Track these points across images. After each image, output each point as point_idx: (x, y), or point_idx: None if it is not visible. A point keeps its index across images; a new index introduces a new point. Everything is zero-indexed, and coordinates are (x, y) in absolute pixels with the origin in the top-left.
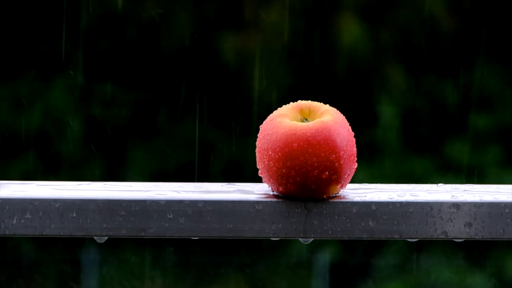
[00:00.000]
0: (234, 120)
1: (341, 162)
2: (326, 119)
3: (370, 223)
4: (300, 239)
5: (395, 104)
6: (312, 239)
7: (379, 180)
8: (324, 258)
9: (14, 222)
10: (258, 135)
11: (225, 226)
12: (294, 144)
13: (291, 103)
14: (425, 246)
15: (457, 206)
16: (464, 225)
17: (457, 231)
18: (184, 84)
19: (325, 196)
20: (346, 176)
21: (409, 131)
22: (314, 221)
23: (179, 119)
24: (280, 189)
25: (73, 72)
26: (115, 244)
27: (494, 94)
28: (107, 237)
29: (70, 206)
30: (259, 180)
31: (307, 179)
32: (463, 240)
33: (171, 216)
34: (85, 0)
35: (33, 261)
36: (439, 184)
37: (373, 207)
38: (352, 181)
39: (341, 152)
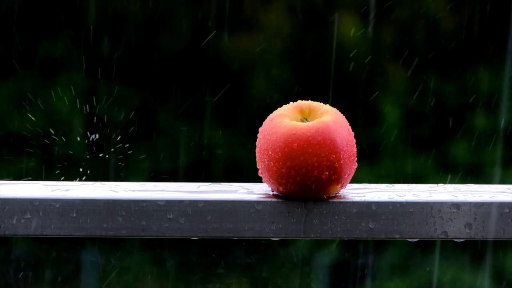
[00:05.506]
0: (234, 120)
1: (341, 162)
2: (326, 119)
3: (370, 223)
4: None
5: (396, 104)
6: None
7: (380, 180)
8: (324, 258)
9: (14, 222)
10: (258, 135)
11: (225, 226)
12: (294, 144)
13: (291, 103)
14: (425, 246)
15: (457, 206)
16: (464, 225)
17: (457, 231)
18: (185, 85)
19: (325, 196)
20: (346, 176)
21: (409, 130)
22: (314, 221)
23: (180, 119)
24: (280, 189)
25: (74, 71)
26: (115, 244)
27: (495, 93)
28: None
29: (70, 206)
30: (259, 180)
31: (307, 179)
32: (463, 240)
33: (171, 216)
34: None
35: (33, 261)
36: (439, 184)
37: (373, 207)
38: (352, 181)
39: (341, 152)
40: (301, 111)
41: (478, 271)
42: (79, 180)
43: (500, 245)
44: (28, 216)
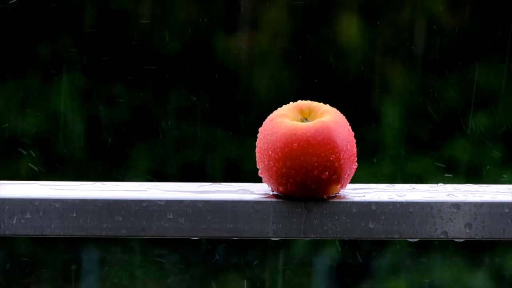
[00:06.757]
0: (234, 120)
1: (341, 162)
2: (326, 119)
3: (370, 223)
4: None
5: (396, 104)
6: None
7: (380, 180)
8: (324, 258)
9: (14, 222)
10: (258, 135)
11: (225, 226)
12: (294, 144)
13: (291, 103)
14: (425, 246)
15: (457, 206)
16: (464, 225)
17: (457, 231)
18: (185, 84)
19: (325, 196)
20: (346, 176)
21: (409, 130)
22: (314, 221)
23: (180, 119)
24: (280, 189)
25: (75, 72)
26: (115, 244)
27: (495, 93)
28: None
29: (70, 206)
30: (259, 180)
31: (307, 179)
32: (463, 240)
33: (171, 216)
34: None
35: (33, 261)
36: (439, 184)
37: (373, 207)
38: (352, 181)
39: (341, 152)
40: (301, 111)
41: (478, 271)
42: (79, 180)
43: (500, 245)
44: (28, 216)
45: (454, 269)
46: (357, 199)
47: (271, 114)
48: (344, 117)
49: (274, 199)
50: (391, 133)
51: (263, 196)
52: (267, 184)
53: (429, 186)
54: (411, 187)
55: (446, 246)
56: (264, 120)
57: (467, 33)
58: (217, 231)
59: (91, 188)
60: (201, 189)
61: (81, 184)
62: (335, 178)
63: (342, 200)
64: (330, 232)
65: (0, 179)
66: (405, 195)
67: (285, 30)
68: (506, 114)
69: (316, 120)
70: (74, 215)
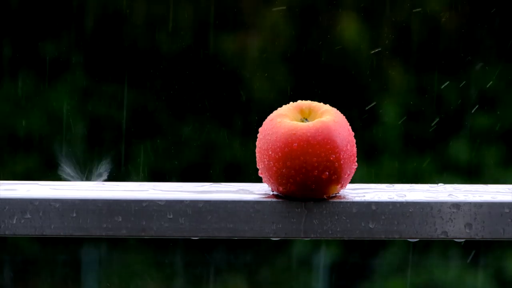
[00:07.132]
0: (234, 120)
1: (341, 162)
2: (326, 119)
3: (370, 223)
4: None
5: (396, 104)
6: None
7: (379, 180)
8: (324, 258)
9: (14, 222)
10: (258, 135)
11: (225, 226)
12: (294, 144)
13: (291, 103)
14: (425, 246)
15: (457, 206)
16: (464, 225)
17: (457, 231)
18: (185, 85)
19: (325, 196)
20: (346, 176)
21: (409, 130)
22: (314, 221)
23: (180, 120)
24: (280, 189)
25: (75, 72)
26: (115, 244)
27: (495, 93)
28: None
29: (70, 206)
30: (259, 180)
31: (307, 179)
32: (463, 240)
33: (171, 216)
34: (87, 0)
35: (33, 261)
36: (439, 184)
37: (373, 207)
38: (352, 181)
39: (341, 152)
40: (301, 111)
41: (478, 271)
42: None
43: (500, 245)
44: (28, 216)
45: (454, 269)
46: (357, 199)
47: (271, 114)
48: (344, 117)
49: (274, 199)
50: (391, 133)
51: (263, 196)
52: (267, 184)
53: (429, 186)
54: (411, 187)
55: (446, 246)
56: (264, 120)
57: (467, 33)
58: (217, 231)
59: (91, 188)
60: (201, 189)
61: (81, 184)
62: (335, 178)
63: (342, 200)
64: (330, 232)
65: (0, 179)
66: (405, 195)
67: (285, 30)
68: (506, 114)
69: (316, 120)
70: (74, 215)
